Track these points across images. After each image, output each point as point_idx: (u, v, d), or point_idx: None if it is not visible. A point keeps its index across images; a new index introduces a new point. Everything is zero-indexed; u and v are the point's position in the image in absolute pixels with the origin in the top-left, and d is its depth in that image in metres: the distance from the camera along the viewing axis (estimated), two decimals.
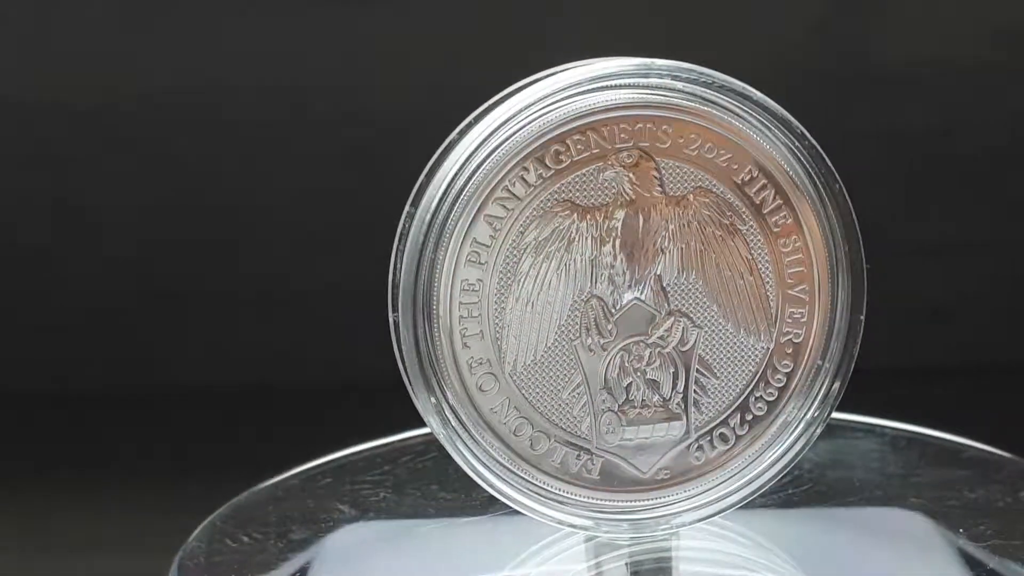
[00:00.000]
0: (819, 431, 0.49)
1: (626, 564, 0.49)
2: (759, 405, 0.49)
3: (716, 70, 0.48)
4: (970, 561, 0.51)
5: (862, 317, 0.49)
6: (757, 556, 0.51)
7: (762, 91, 0.48)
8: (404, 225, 0.47)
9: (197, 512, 0.53)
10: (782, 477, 0.49)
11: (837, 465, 0.56)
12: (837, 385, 0.49)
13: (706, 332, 0.48)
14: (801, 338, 0.48)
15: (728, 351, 0.49)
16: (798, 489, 0.54)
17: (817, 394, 0.49)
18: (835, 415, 0.50)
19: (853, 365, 0.49)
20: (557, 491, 0.48)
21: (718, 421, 0.49)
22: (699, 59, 0.49)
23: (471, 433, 0.47)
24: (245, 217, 0.82)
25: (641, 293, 0.48)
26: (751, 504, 0.50)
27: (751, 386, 0.49)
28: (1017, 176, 0.83)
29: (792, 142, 0.48)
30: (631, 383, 0.48)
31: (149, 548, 0.57)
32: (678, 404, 0.48)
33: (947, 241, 0.83)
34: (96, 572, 0.66)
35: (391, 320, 0.47)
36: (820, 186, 0.48)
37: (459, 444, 0.48)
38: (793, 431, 0.49)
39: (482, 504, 0.51)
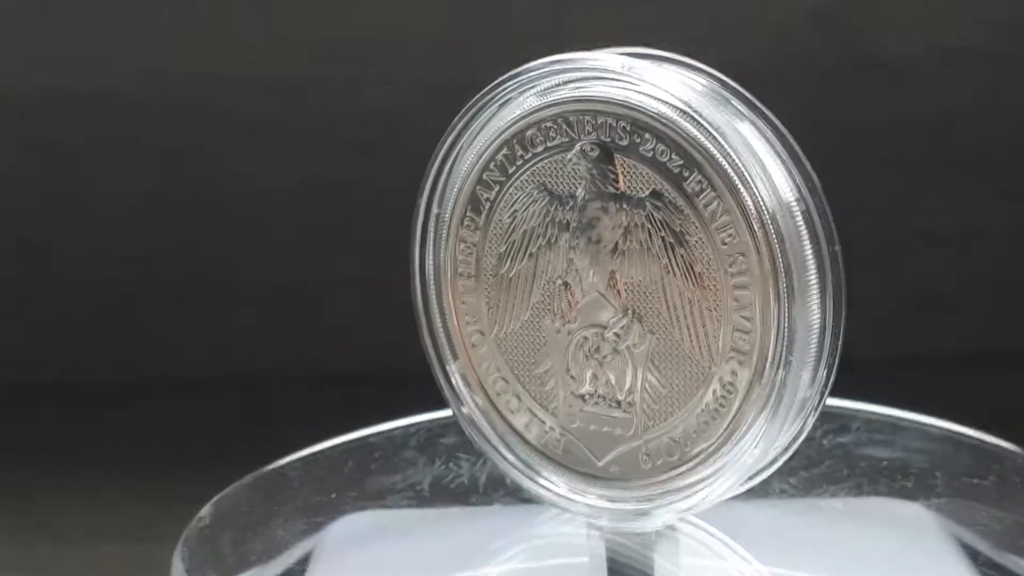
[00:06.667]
0: (788, 454, 0.46)
1: (605, 549, 0.50)
2: (706, 425, 0.46)
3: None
4: (968, 551, 0.48)
5: (838, 341, 0.45)
6: (740, 547, 0.49)
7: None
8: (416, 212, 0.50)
9: (199, 500, 0.53)
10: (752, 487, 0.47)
11: (830, 453, 0.52)
12: (807, 416, 0.45)
13: (658, 338, 0.47)
14: (743, 364, 0.45)
15: (676, 363, 0.47)
16: (784, 478, 0.51)
17: (782, 421, 0.45)
18: (828, 401, 0.46)
19: (827, 392, 0.45)
20: (535, 465, 0.50)
21: (665, 431, 0.47)
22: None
23: (463, 397, 0.50)
24: (247, 207, 0.81)
25: (601, 287, 0.48)
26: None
27: (698, 404, 0.46)
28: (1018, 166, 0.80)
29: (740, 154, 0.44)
30: (591, 372, 0.48)
31: (152, 537, 0.59)
32: (628, 403, 0.48)
33: (948, 230, 0.81)
34: (99, 560, 0.67)
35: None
36: (762, 206, 0.44)
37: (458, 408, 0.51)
38: (757, 452, 0.46)
39: (483, 492, 0.53)
